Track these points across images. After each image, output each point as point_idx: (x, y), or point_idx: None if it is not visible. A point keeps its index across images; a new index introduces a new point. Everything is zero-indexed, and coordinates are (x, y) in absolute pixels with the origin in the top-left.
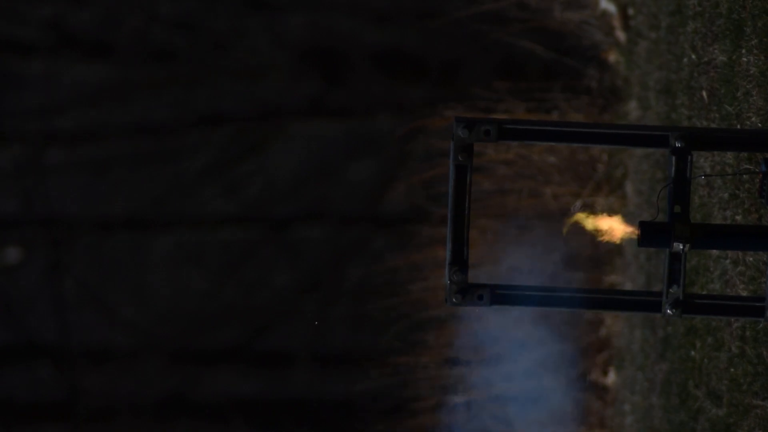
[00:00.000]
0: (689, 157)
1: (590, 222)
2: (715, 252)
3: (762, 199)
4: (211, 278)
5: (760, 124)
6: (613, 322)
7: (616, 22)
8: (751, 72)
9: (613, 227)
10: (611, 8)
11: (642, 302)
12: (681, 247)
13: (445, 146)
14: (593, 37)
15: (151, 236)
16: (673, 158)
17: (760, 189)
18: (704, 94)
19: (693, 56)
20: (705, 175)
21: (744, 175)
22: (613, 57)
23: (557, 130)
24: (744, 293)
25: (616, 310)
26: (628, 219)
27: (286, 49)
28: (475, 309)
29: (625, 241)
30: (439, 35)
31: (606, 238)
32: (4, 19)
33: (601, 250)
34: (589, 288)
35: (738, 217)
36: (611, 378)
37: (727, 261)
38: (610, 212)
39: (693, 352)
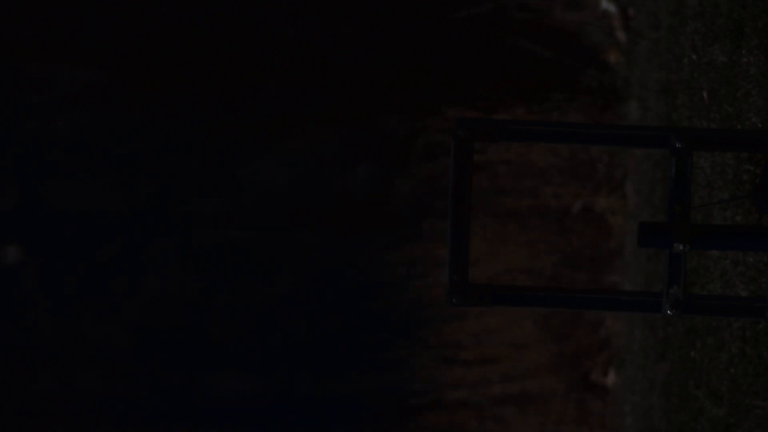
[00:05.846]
0: (689, 157)
1: None
2: (715, 252)
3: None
4: (211, 278)
5: (760, 124)
6: (613, 322)
7: (617, 22)
8: (751, 72)
9: None
10: (611, 8)
11: (642, 302)
12: (681, 247)
13: (447, 144)
14: (593, 37)
15: (150, 236)
16: (674, 159)
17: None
18: (704, 94)
19: (693, 56)
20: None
21: (744, 176)
22: (613, 57)
23: (557, 130)
24: (744, 293)
25: (616, 310)
26: (628, 219)
27: (286, 50)
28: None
29: (625, 241)
30: (439, 35)
31: None
32: (4, 20)
33: (601, 250)
34: (589, 288)
35: (738, 218)
36: (611, 378)
37: (727, 261)
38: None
39: (693, 353)
